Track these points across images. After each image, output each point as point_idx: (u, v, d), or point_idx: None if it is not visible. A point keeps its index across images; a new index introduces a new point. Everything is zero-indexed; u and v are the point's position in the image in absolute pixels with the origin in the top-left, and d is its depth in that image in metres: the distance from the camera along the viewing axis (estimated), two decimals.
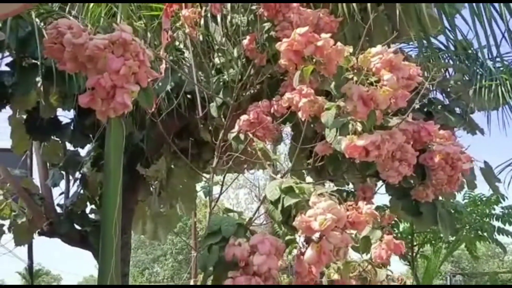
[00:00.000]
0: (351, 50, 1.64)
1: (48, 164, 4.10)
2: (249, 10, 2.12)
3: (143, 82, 1.26)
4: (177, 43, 2.36)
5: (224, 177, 2.02)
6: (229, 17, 2.21)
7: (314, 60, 1.63)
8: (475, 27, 2.97)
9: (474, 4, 2.80)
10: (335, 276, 1.70)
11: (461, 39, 3.94)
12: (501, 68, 4.44)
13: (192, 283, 15.82)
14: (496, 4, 2.68)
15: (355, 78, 1.73)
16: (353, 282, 1.60)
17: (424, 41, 3.47)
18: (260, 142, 1.78)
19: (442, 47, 4.36)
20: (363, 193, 2.42)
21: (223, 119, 2.44)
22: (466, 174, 2.06)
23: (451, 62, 4.40)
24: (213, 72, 2.58)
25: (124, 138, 2.65)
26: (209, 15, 2.23)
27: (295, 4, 2.10)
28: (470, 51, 4.37)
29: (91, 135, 3.73)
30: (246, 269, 1.28)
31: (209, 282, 1.43)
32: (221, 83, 2.39)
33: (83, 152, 4.11)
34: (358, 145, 1.57)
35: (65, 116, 3.68)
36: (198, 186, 4.68)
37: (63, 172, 4.02)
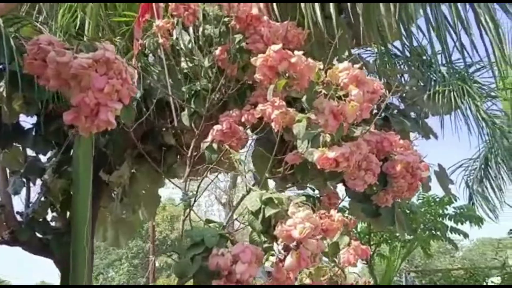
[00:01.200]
0: (321, 66, 1.73)
1: (7, 171, 3.96)
2: (222, 21, 2.17)
3: (125, 100, 1.29)
4: (147, 51, 2.37)
5: (198, 187, 2.06)
6: (201, 28, 2.25)
7: (287, 75, 1.72)
8: (429, 35, 3.16)
9: (429, 12, 2.98)
10: (307, 281, 1.79)
11: (416, 45, 4.12)
12: (454, 74, 4.68)
13: None
14: (450, 13, 2.84)
15: (324, 92, 1.84)
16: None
17: (382, 48, 3.64)
18: (236, 154, 1.84)
19: (399, 53, 4.53)
20: (328, 199, 2.52)
21: (194, 128, 2.48)
22: (424, 182, 2.21)
23: (406, 68, 4.59)
24: (180, 76, 2.61)
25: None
26: (181, 25, 2.26)
27: (265, 18, 2.18)
28: (424, 57, 4.57)
29: (53, 141, 3.66)
30: (229, 277, 1.34)
31: None
32: (192, 92, 2.43)
33: (43, 158, 4.01)
34: (329, 157, 1.67)
35: (26, 121, 3.59)
36: (160, 191, 4.67)
37: (24, 179, 3.90)
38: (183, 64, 2.54)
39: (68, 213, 4.14)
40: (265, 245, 1.56)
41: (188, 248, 1.44)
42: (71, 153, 3.76)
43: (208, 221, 1.62)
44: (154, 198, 4.69)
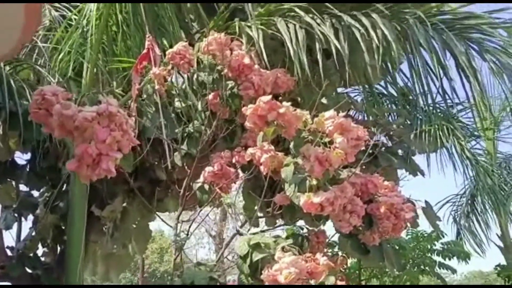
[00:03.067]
0: (308, 116, 1.85)
1: None
2: (215, 70, 2.30)
3: (125, 149, 1.39)
4: (144, 95, 2.49)
5: (188, 230, 2.13)
6: (195, 75, 2.37)
7: (275, 123, 1.83)
8: (413, 78, 3.32)
9: (411, 57, 3.14)
10: None
11: (403, 85, 4.27)
12: (439, 114, 4.84)
13: None
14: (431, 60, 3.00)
15: (310, 138, 1.95)
16: None
17: (367, 88, 3.79)
18: (228, 197, 1.93)
19: (385, 93, 4.67)
20: (316, 238, 2.60)
21: (186, 168, 2.57)
22: (409, 222, 2.29)
23: (393, 107, 4.74)
24: (172, 116, 2.71)
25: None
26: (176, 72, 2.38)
27: (256, 67, 2.31)
28: (410, 97, 4.72)
29: (47, 177, 3.72)
30: None
31: None
32: (185, 133, 2.53)
33: (35, 194, 4.05)
34: (315, 202, 1.76)
35: (20, 157, 3.65)
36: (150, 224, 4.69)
37: (16, 215, 3.93)
38: (177, 104, 2.65)
39: (58, 249, 4.15)
40: None
41: None
42: (63, 189, 3.82)
43: (198, 264, 1.68)
44: (144, 233, 4.70)
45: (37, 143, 3.12)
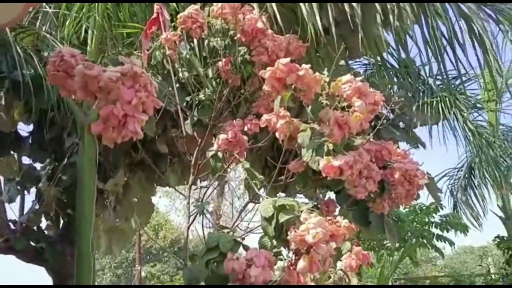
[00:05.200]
0: (327, 79, 1.82)
1: (2, 179, 3.96)
2: (228, 35, 2.25)
3: (149, 111, 1.36)
4: (153, 61, 2.44)
5: (203, 197, 2.12)
6: (206, 41, 2.32)
7: (294, 87, 1.80)
8: (418, 47, 3.28)
9: (424, 24, 3.09)
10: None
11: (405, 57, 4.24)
12: (441, 86, 4.83)
13: None
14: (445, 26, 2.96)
15: (328, 103, 1.93)
16: None
17: (373, 60, 3.75)
18: (246, 162, 1.91)
19: (388, 65, 4.65)
20: (326, 207, 2.60)
21: (196, 136, 2.54)
22: (421, 189, 2.30)
23: (395, 79, 4.72)
24: (177, 85, 2.67)
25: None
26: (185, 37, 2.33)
27: (270, 31, 2.27)
28: (414, 69, 4.69)
29: (50, 149, 3.68)
30: (243, 281, 1.41)
31: None
32: (197, 101, 2.50)
33: (38, 166, 4.02)
34: (335, 165, 1.75)
35: (22, 129, 3.61)
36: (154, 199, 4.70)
37: (19, 188, 3.90)
38: (186, 74, 2.61)
39: (61, 222, 4.15)
40: (274, 250, 1.63)
41: (203, 253, 1.49)
42: (67, 162, 3.78)
43: (222, 227, 1.68)
44: (147, 206, 4.71)
45: (42, 113, 3.07)
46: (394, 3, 2.52)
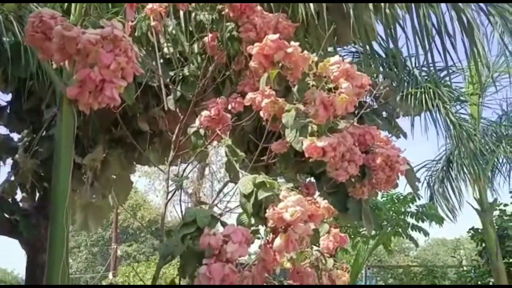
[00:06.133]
0: (315, 59, 1.79)
1: None
2: (215, 9, 2.20)
3: (129, 78, 1.31)
4: (137, 33, 2.36)
5: (183, 173, 2.08)
6: (193, 14, 2.27)
7: (281, 64, 1.77)
8: (407, 37, 3.26)
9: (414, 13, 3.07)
10: (288, 265, 1.85)
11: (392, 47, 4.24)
12: (426, 77, 4.85)
13: (111, 275, 15.44)
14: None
15: (314, 84, 1.90)
16: (308, 270, 1.76)
17: (361, 48, 3.72)
18: (228, 139, 1.88)
19: (375, 54, 4.64)
20: (307, 189, 2.60)
21: (179, 112, 2.49)
22: (402, 175, 2.31)
23: (381, 68, 4.73)
24: (161, 61, 2.61)
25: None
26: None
27: (259, 8, 2.22)
28: (400, 59, 4.69)
29: (28, 120, 3.59)
30: (219, 257, 1.39)
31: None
32: (180, 76, 2.44)
33: (15, 137, 3.92)
34: (318, 146, 1.73)
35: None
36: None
37: None
38: (171, 49, 2.54)
39: (37, 195, 4.07)
40: (252, 227, 1.61)
41: (180, 227, 1.47)
42: (44, 134, 3.69)
43: (199, 203, 1.65)
44: (125, 184, 4.64)
45: (21, 82, 2.98)
46: None
